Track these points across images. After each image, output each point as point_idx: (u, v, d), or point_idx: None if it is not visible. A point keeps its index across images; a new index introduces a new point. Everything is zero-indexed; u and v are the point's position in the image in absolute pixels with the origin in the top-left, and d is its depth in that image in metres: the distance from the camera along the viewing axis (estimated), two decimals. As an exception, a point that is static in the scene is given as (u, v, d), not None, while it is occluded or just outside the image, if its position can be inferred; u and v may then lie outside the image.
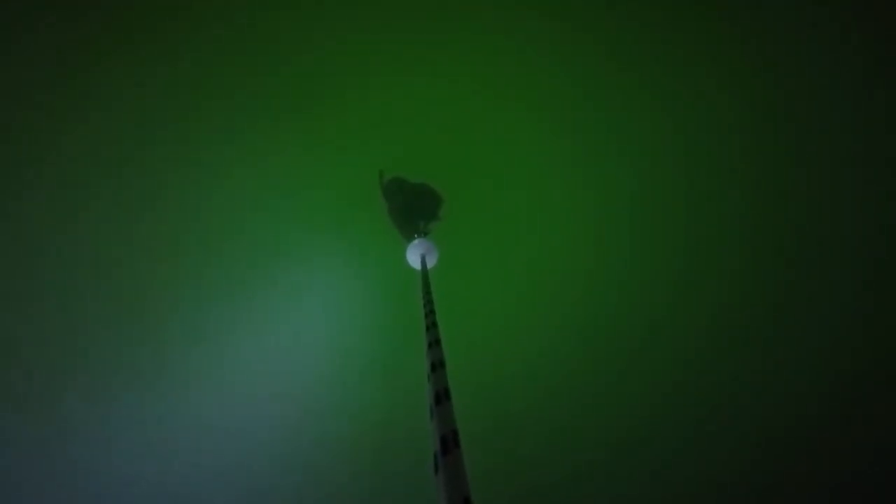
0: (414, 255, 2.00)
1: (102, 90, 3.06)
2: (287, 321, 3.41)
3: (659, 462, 3.43)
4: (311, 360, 3.45)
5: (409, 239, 2.25)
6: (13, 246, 3.10)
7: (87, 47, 3.02)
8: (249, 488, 3.42)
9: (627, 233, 3.36)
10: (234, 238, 3.32)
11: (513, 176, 3.37)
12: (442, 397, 0.64)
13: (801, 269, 3.29)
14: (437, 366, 0.76)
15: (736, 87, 3.21)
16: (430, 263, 1.96)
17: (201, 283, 3.31)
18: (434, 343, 0.93)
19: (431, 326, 1.07)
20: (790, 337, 3.36)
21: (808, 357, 3.35)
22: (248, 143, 3.23)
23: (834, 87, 3.15)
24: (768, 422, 3.38)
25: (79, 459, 3.25)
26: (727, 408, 3.41)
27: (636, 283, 3.39)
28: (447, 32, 3.22)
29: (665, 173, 3.29)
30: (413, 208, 2.50)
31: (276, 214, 3.34)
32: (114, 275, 3.20)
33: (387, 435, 3.32)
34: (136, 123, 3.11)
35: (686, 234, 3.31)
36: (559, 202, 3.37)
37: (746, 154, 3.24)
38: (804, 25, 3.13)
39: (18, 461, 3.20)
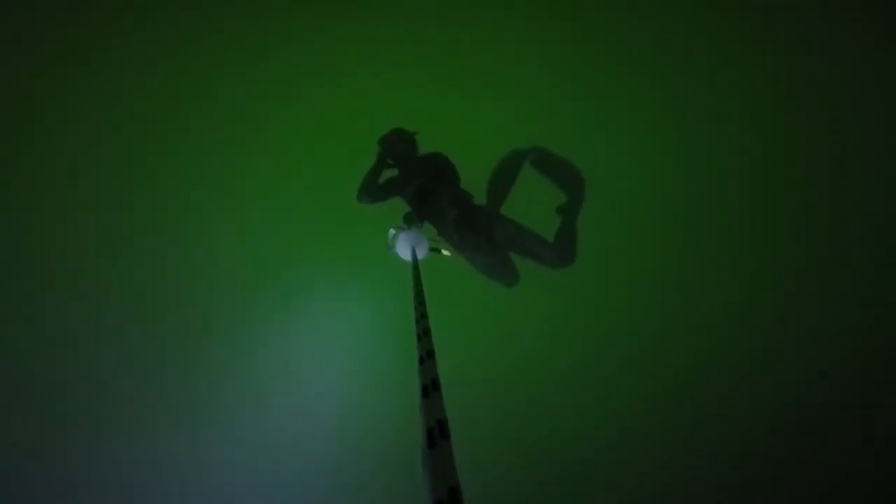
0: (403, 246, 1.98)
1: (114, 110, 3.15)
2: (318, 343, 3.50)
3: (659, 456, 3.44)
4: (343, 379, 3.52)
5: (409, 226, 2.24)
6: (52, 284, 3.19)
7: (105, 62, 3.11)
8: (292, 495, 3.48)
9: (626, 225, 3.33)
10: (266, 279, 3.44)
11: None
12: (429, 389, 0.65)
13: (811, 261, 3.27)
14: (426, 357, 0.76)
15: (739, 82, 3.16)
16: (420, 255, 1.95)
17: (236, 318, 3.43)
18: (423, 335, 0.93)
19: (421, 317, 1.07)
20: (799, 327, 3.34)
21: (818, 346, 3.34)
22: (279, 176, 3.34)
23: (843, 79, 3.10)
24: (774, 415, 3.38)
25: (134, 483, 3.38)
26: (727, 403, 3.41)
27: (636, 276, 3.36)
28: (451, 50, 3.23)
29: (665, 167, 3.25)
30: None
31: (305, 256, 3.44)
32: (166, 317, 3.34)
33: (411, 437, 3.32)
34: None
35: (686, 227, 3.28)
36: (554, 196, 3.34)
37: (750, 149, 3.21)
38: (811, 16, 3.09)
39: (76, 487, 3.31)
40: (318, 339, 3.49)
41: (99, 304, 3.24)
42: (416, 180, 2.37)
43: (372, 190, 2.40)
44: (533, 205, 2.75)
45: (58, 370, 3.24)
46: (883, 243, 3.19)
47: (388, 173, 2.55)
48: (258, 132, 3.29)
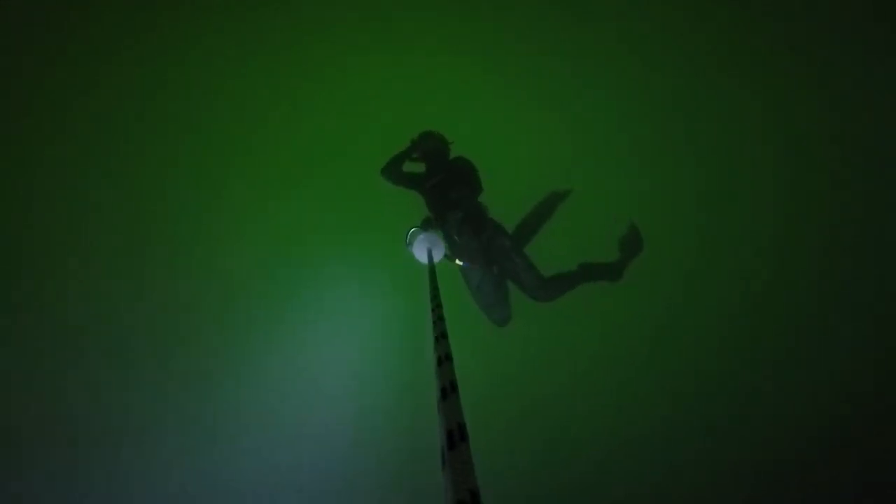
0: (420, 248, 2.00)
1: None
2: (323, 344, 3.51)
3: (673, 459, 3.39)
4: (352, 378, 3.52)
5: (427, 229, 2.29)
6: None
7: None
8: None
9: (643, 230, 3.31)
10: (276, 284, 3.47)
11: (519, 173, 3.34)
12: (448, 391, 0.65)
13: (825, 272, 3.21)
14: (444, 359, 0.77)
15: (759, 90, 3.13)
16: (437, 258, 1.96)
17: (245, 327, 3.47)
18: (441, 337, 0.93)
19: (438, 321, 1.07)
20: (815, 337, 3.28)
21: (838, 351, 3.27)
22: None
23: (863, 90, 3.06)
24: (791, 421, 3.32)
25: (139, 492, 3.41)
26: (745, 405, 3.36)
27: (651, 275, 3.32)
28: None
29: (678, 173, 3.23)
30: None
31: (316, 260, 3.48)
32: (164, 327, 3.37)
33: (415, 433, 3.33)
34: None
35: (699, 234, 3.25)
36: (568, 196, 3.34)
37: (769, 160, 3.17)
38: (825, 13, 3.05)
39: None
40: (329, 342, 3.50)
41: (104, 306, 3.28)
42: (436, 175, 2.43)
43: (395, 170, 2.48)
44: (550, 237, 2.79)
45: (68, 380, 3.30)
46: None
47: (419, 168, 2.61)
48: (267, 132, 3.34)
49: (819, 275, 3.24)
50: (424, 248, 1.97)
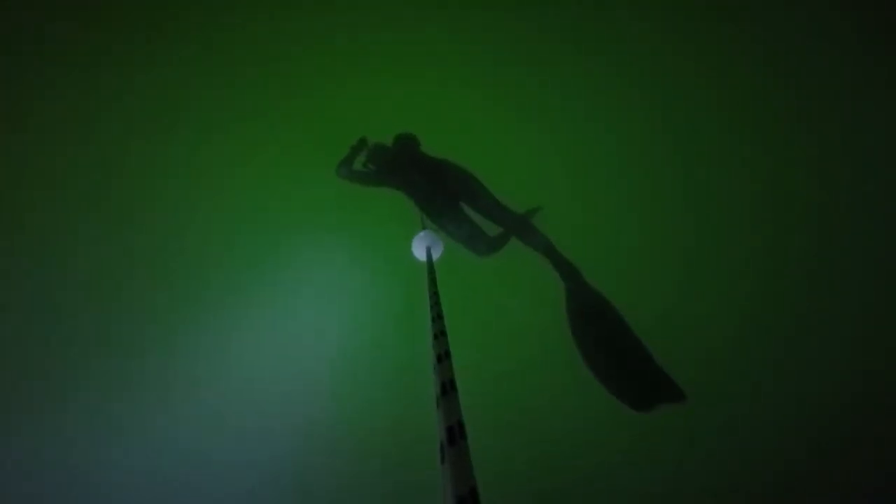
0: (419, 247, 2.00)
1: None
2: (292, 319, 3.44)
3: (677, 455, 3.41)
4: (320, 357, 3.46)
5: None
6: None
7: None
8: (257, 484, 3.44)
9: (634, 224, 3.34)
10: (233, 241, 3.39)
11: (513, 170, 3.37)
12: (448, 388, 0.65)
13: (821, 262, 3.25)
14: (443, 357, 0.77)
15: (739, 86, 3.19)
16: (436, 255, 1.96)
17: (202, 289, 3.36)
18: (440, 334, 0.93)
19: (437, 318, 1.07)
20: (811, 330, 3.32)
21: (830, 355, 3.31)
22: (245, 142, 3.30)
23: (842, 86, 3.12)
24: (789, 422, 3.35)
25: (92, 460, 3.31)
26: (745, 407, 3.38)
27: (646, 272, 3.36)
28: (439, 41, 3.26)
29: (665, 170, 3.29)
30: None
31: (276, 215, 3.40)
32: (119, 286, 3.28)
33: (397, 428, 3.33)
34: (130, 123, 3.22)
35: (694, 229, 3.29)
36: (563, 195, 3.36)
37: (753, 152, 3.23)
38: (807, 26, 3.11)
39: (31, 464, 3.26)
40: (310, 328, 3.44)
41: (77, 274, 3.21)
42: (386, 157, 2.64)
43: (346, 169, 2.67)
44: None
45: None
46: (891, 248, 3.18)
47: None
48: (251, 120, 3.32)
49: (814, 268, 3.29)
50: (423, 247, 1.96)
